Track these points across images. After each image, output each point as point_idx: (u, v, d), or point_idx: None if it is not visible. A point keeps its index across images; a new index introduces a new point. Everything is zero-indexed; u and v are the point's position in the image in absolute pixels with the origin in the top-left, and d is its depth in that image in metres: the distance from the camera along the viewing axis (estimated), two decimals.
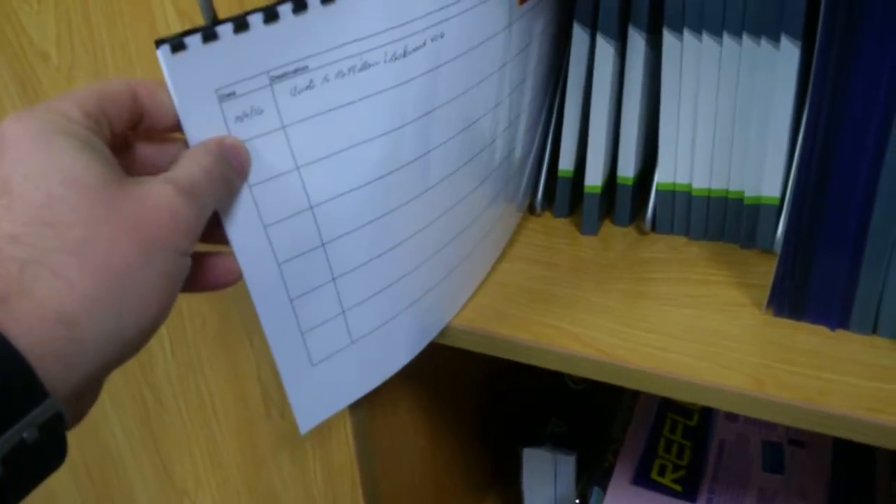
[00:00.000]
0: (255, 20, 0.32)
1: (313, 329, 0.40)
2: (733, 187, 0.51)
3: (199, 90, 0.32)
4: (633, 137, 0.52)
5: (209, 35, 0.31)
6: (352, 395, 0.44)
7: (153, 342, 0.45)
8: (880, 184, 0.40)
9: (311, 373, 0.40)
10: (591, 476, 0.67)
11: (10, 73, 0.50)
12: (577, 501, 0.69)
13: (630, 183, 0.53)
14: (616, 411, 0.73)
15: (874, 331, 0.43)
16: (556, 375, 0.56)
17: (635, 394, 0.73)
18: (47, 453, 0.28)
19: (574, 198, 0.56)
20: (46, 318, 0.28)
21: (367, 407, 0.54)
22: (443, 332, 0.47)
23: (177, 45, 0.31)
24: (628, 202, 0.54)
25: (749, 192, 0.50)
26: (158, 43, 0.30)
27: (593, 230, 0.54)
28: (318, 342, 0.40)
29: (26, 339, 0.27)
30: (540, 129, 0.55)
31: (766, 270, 0.47)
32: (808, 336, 0.44)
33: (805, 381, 0.41)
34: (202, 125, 0.33)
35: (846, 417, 0.39)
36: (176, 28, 0.43)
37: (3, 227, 0.28)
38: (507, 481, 0.77)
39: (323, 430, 0.54)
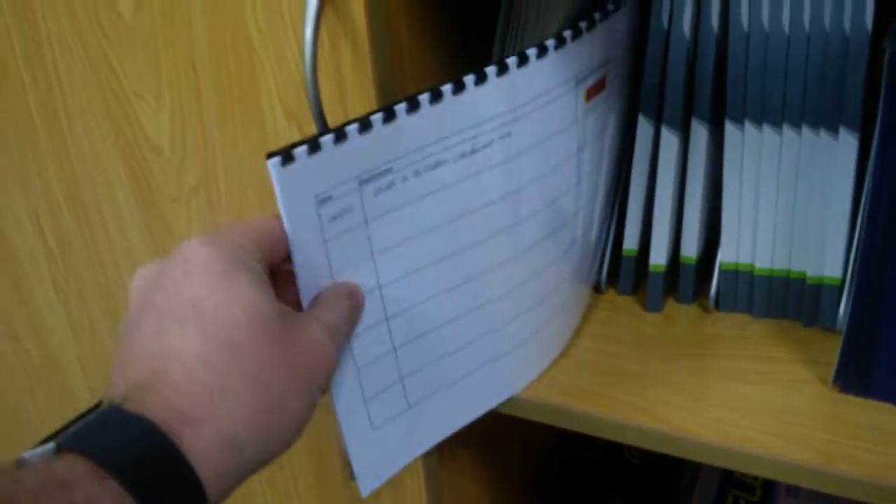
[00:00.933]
0: (352, 130, 0.36)
1: (376, 395, 0.43)
2: (795, 267, 0.53)
3: (301, 196, 0.36)
4: (696, 219, 0.54)
5: (314, 147, 0.35)
6: (405, 458, 0.47)
7: None
8: None
9: (371, 436, 0.43)
10: None
11: (124, 164, 0.55)
12: None
13: (693, 262, 0.56)
14: (677, 487, 0.74)
15: None
16: (617, 449, 0.57)
17: (696, 469, 0.74)
18: None
19: (637, 276, 0.58)
20: (221, 442, 0.31)
21: (439, 473, 0.56)
22: (515, 404, 0.50)
23: (286, 157, 0.34)
24: (691, 280, 0.56)
25: (811, 272, 0.52)
26: (270, 155, 0.34)
27: (657, 307, 0.57)
28: (379, 408, 0.43)
29: (202, 462, 0.30)
30: (608, 210, 0.58)
31: (829, 348, 0.49)
32: (873, 413, 0.45)
33: (871, 457, 0.42)
34: (302, 226, 0.36)
35: None
36: (283, 127, 0.47)
37: (196, 348, 0.32)
38: None
39: (397, 489, 0.57)
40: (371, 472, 0.44)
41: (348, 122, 0.36)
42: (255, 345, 0.32)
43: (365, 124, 0.36)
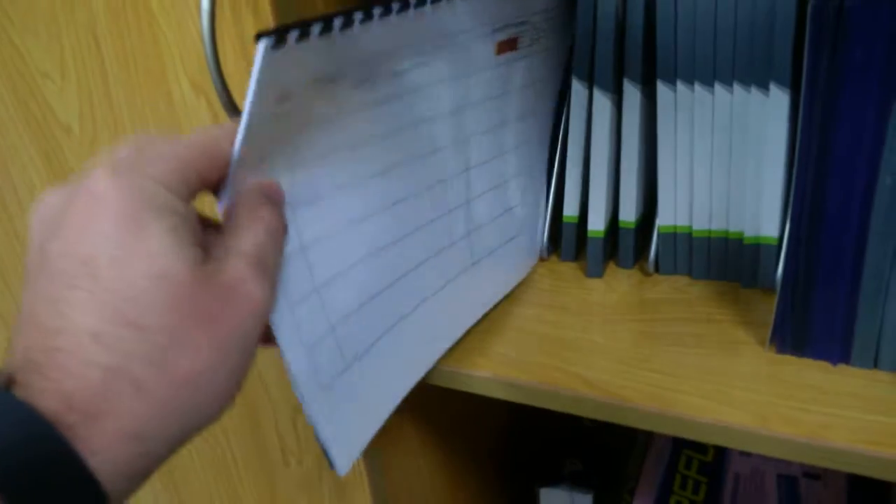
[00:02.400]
0: (336, 27, 0.34)
1: (314, 345, 0.39)
2: (733, 228, 0.52)
3: (271, 85, 0.32)
4: (633, 182, 0.53)
5: (303, 34, 0.32)
6: (368, 427, 0.45)
7: None
8: (872, 221, 0.42)
9: (325, 398, 0.40)
10: None
11: (35, 146, 0.53)
12: None
13: (632, 226, 0.55)
14: (631, 449, 0.74)
15: (875, 365, 0.44)
16: (571, 415, 0.57)
17: (650, 432, 0.74)
18: None
19: (580, 242, 0.57)
20: (124, 437, 0.27)
21: (382, 451, 0.55)
22: (457, 379, 0.49)
23: (279, 39, 0.31)
24: (631, 245, 0.56)
25: (748, 233, 0.51)
26: (262, 35, 0.30)
27: (598, 273, 0.56)
28: (321, 361, 0.40)
29: (100, 460, 0.26)
30: (543, 178, 0.57)
31: (768, 308, 0.49)
32: (810, 372, 0.45)
33: (808, 417, 0.42)
34: (258, 121, 0.32)
35: (849, 451, 0.40)
36: (192, 100, 0.45)
37: (87, 321, 0.27)
38: None
39: (339, 477, 0.56)
40: (341, 446, 0.41)
41: (330, 17, 0.34)
42: (160, 318, 0.27)
43: (328, 27, 0.34)
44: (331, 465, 0.40)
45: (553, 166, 0.57)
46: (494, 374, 0.48)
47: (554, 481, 0.70)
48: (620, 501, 0.68)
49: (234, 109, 0.41)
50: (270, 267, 0.32)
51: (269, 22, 0.40)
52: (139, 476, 0.28)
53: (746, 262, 0.52)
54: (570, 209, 0.56)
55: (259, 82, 0.31)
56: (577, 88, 0.52)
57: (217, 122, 0.46)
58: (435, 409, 0.63)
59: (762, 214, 0.50)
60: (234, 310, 0.30)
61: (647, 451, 0.73)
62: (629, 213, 0.55)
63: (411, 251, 0.45)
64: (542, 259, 0.59)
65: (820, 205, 0.42)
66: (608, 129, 0.52)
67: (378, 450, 0.55)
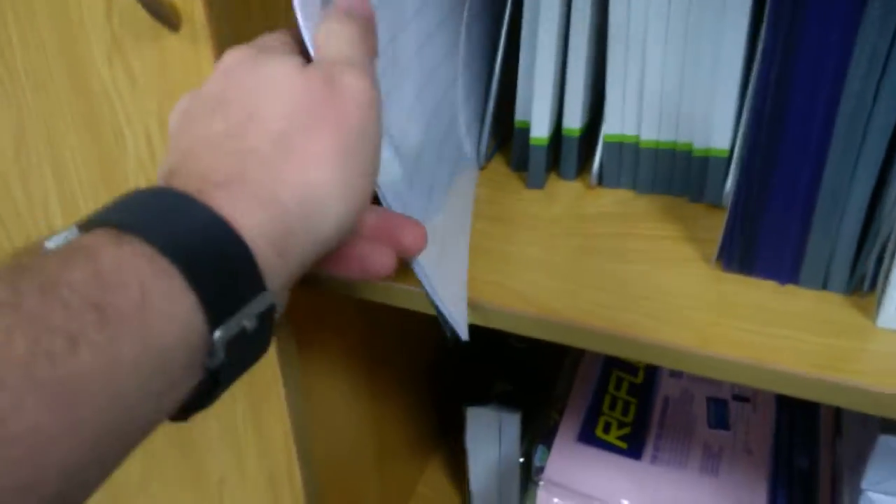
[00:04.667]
0: None
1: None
2: (682, 139, 0.49)
3: None
4: (580, 87, 0.49)
5: None
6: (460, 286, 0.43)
7: None
8: (834, 135, 0.39)
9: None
10: (536, 434, 0.67)
11: None
12: (522, 460, 0.68)
13: (576, 135, 0.51)
14: (561, 369, 0.72)
15: (824, 286, 0.42)
16: (500, 334, 0.54)
17: (580, 351, 0.72)
18: (258, 343, 0.29)
19: (523, 150, 0.54)
20: (263, 202, 0.28)
21: (301, 371, 0.52)
22: (383, 292, 0.45)
23: None
24: (574, 155, 0.52)
25: (698, 144, 0.48)
26: None
27: (539, 184, 0.52)
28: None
29: (247, 223, 0.27)
30: (483, 78, 0.52)
31: (715, 224, 0.46)
32: (757, 291, 0.43)
33: (752, 338, 0.40)
34: None
35: (794, 375, 0.38)
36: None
37: (220, 126, 0.30)
38: (453, 441, 0.75)
39: (254, 390, 0.52)
40: (457, 308, 0.41)
41: None
42: (284, 109, 0.30)
43: None
44: (454, 334, 0.40)
45: (492, 70, 0.52)
46: (418, 286, 0.44)
47: (482, 401, 0.68)
48: (549, 421, 0.66)
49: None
50: (368, 66, 0.33)
51: None
52: (289, 254, 0.29)
53: (694, 175, 0.49)
54: (522, 114, 0.52)
55: None
56: None
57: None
58: (359, 326, 0.59)
59: (714, 124, 0.47)
60: (353, 107, 0.31)
61: (576, 371, 0.71)
62: (574, 121, 0.51)
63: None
64: (481, 167, 0.55)
65: (780, 114, 0.39)
66: (556, 28, 0.47)
67: (297, 369, 0.51)
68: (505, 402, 0.68)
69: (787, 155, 0.40)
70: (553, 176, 0.54)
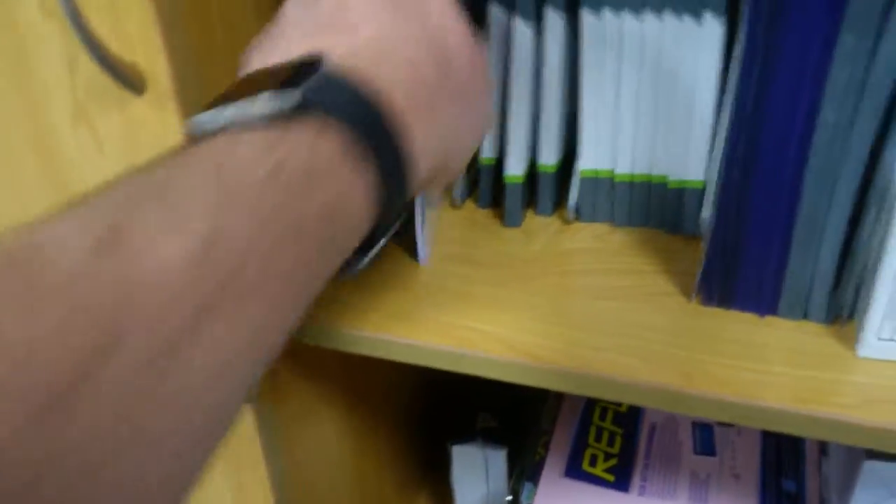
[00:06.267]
0: None
1: None
2: (656, 172, 0.49)
3: None
4: (554, 123, 0.49)
5: None
6: None
7: None
8: (809, 164, 0.39)
9: None
10: (523, 470, 0.66)
11: None
12: (510, 498, 0.67)
13: (552, 171, 0.51)
14: (545, 401, 0.72)
15: (805, 316, 0.42)
16: None
17: None
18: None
19: (496, 188, 0.53)
20: (397, 82, 0.31)
21: (277, 412, 0.50)
22: (355, 342, 0.44)
23: None
24: (550, 191, 0.52)
25: (672, 176, 0.48)
26: None
27: (517, 222, 0.52)
28: None
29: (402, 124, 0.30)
30: None
31: (692, 257, 0.46)
32: (737, 325, 0.43)
33: (734, 374, 0.39)
34: None
35: (779, 411, 0.38)
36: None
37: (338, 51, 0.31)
38: (439, 479, 0.74)
39: (230, 440, 0.51)
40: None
41: None
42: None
43: None
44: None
45: None
46: (392, 335, 0.44)
47: (467, 438, 0.67)
48: (535, 456, 0.66)
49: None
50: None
51: None
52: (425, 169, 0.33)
53: (670, 207, 0.49)
54: (488, 151, 0.52)
55: None
56: (496, 15, 0.47)
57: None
58: (339, 371, 0.58)
59: (689, 157, 0.47)
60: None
61: (561, 403, 0.71)
62: (549, 157, 0.51)
63: None
64: (454, 206, 0.54)
65: (755, 145, 0.39)
66: (529, 63, 0.47)
67: (275, 413, 0.50)
68: (490, 438, 0.68)
69: (763, 188, 0.40)
70: (530, 213, 0.53)
